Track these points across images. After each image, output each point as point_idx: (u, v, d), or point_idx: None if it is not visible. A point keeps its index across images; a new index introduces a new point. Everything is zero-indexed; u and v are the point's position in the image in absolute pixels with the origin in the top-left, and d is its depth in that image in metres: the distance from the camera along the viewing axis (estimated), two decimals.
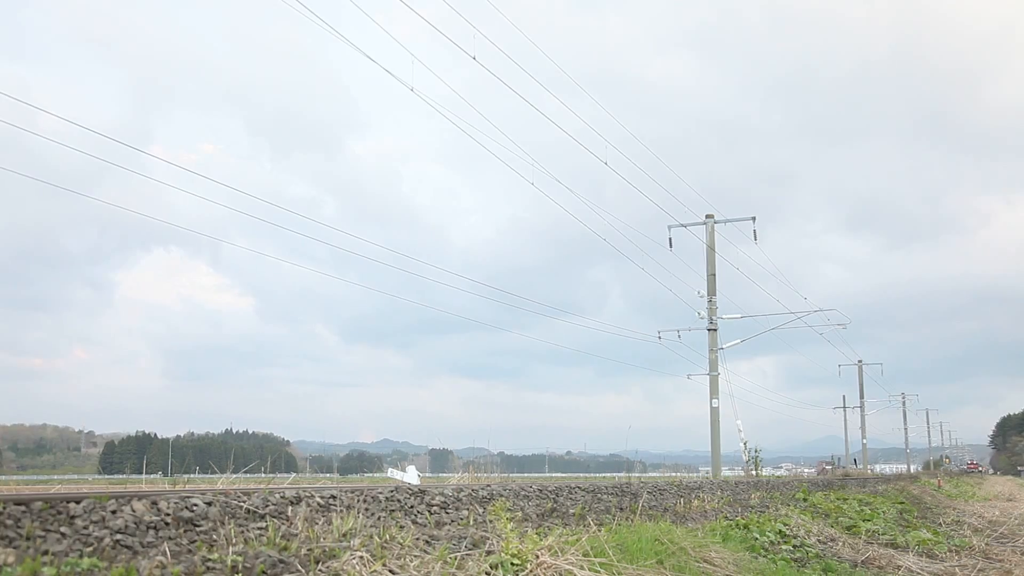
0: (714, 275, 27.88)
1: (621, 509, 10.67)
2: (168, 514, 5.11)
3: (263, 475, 10.78)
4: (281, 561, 4.90)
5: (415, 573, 5.32)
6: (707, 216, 28.58)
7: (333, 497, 6.63)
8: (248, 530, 5.45)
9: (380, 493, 7.25)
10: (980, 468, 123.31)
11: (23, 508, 4.50)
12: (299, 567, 4.89)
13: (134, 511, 4.95)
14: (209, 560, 4.64)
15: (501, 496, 8.66)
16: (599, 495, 10.97)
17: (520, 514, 8.21)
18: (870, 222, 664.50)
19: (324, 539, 5.56)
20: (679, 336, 29.94)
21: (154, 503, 5.14)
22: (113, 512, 4.84)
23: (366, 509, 6.72)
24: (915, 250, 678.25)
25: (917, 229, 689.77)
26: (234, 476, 8.32)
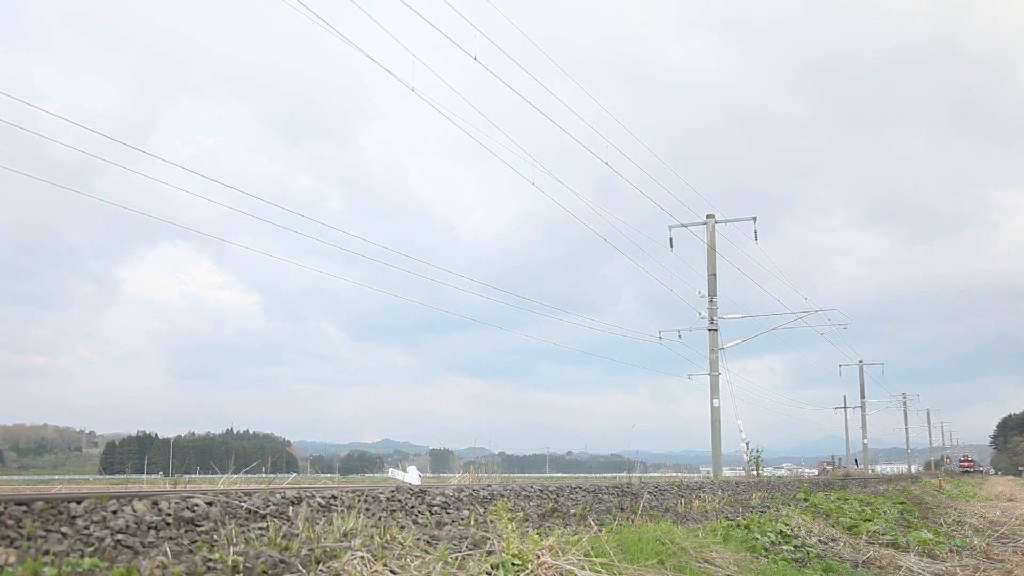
0: (715, 275, 27.85)
1: (622, 509, 10.67)
2: (169, 514, 5.12)
3: (264, 475, 10.79)
4: (282, 561, 4.90)
5: (416, 573, 5.32)
6: (708, 216, 28.57)
7: (334, 497, 6.63)
8: (249, 530, 5.46)
9: (381, 493, 7.25)
10: (982, 468, 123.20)
11: (24, 508, 4.50)
12: (300, 567, 4.89)
13: (135, 511, 4.96)
14: (210, 560, 4.64)
15: (502, 496, 8.66)
16: (600, 495, 10.97)
17: (521, 514, 8.20)
18: (892, 215, 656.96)
19: (325, 539, 5.57)
20: (679, 336, 29.92)
21: (155, 503, 5.14)
22: (114, 512, 4.85)
23: (367, 509, 6.72)
24: (937, 245, 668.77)
25: (940, 223, 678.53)
26: (235, 476, 8.33)
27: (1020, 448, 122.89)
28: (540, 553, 6.23)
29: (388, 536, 5.94)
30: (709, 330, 27.83)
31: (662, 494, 12.98)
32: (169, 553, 4.67)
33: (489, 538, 6.58)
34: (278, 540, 5.37)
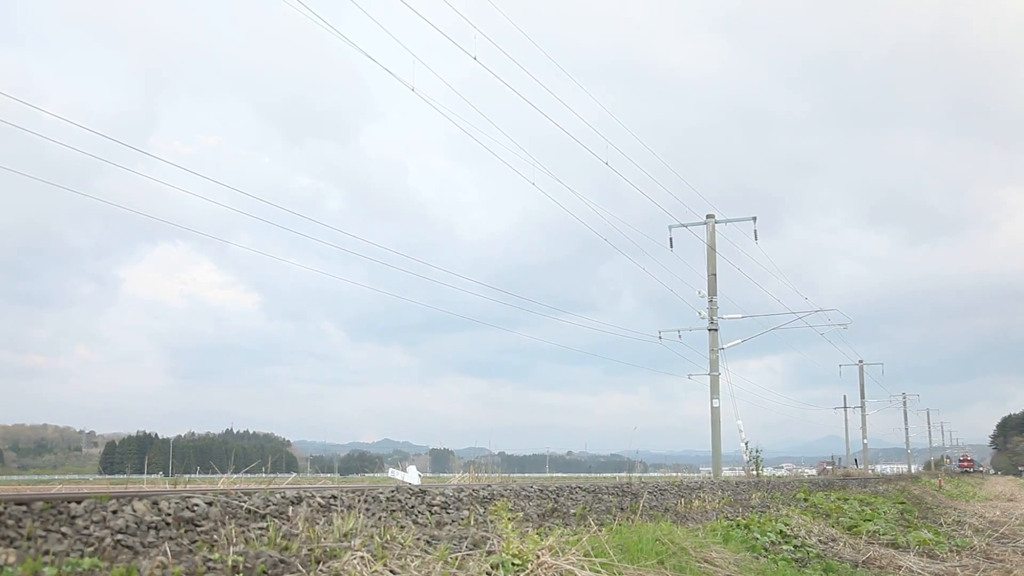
0: (715, 275, 27.85)
1: (622, 509, 10.67)
2: (169, 514, 5.12)
3: (264, 475, 10.78)
4: (282, 561, 4.90)
5: (416, 573, 5.32)
6: (708, 216, 28.58)
7: (334, 497, 6.63)
8: (249, 530, 5.46)
9: (381, 493, 7.25)
10: (982, 468, 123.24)
11: (24, 508, 4.50)
12: (300, 567, 4.89)
13: (135, 511, 4.96)
14: (210, 560, 4.64)
15: (502, 496, 8.66)
16: (600, 495, 10.97)
17: (521, 514, 8.20)
18: (893, 215, 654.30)
19: (325, 539, 5.57)
20: (679, 336, 29.93)
21: (155, 503, 5.14)
22: (114, 512, 4.85)
23: (367, 509, 6.72)
24: (938, 244, 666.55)
25: (941, 223, 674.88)
26: (235, 476, 8.32)
27: (1020, 448, 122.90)
28: (540, 553, 6.23)
29: (388, 536, 5.94)
30: (709, 330, 27.83)
31: (662, 494, 12.98)
32: (169, 553, 4.67)
33: (489, 538, 6.58)
34: (278, 540, 5.37)
